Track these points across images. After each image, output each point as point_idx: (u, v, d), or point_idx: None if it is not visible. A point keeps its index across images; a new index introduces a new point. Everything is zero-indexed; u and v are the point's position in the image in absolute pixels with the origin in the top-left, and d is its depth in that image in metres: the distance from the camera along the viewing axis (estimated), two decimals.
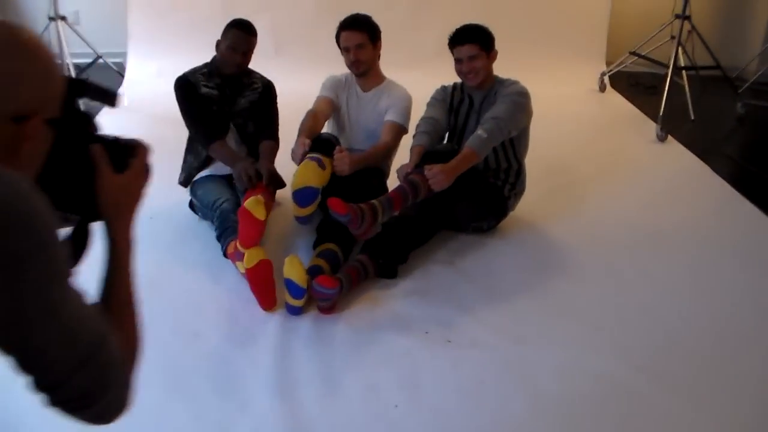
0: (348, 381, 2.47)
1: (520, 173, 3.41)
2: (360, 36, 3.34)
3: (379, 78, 3.55)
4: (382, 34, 3.44)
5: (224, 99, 3.41)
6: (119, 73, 6.05)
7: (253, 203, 2.83)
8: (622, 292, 3.04)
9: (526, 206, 3.55)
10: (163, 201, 3.64)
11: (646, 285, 3.09)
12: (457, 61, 3.27)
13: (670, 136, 4.90)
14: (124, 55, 6.17)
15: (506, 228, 3.50)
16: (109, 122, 4.49)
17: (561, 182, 4.13)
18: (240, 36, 3.32)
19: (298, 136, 3.28)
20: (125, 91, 5.68)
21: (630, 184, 4.20)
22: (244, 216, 2.82)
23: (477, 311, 2.87)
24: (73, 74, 5.28)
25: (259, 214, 2.81)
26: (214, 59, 3.44)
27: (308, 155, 3.10)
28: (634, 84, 6.34)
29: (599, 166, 4.42)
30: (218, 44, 3.39)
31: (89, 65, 6.08)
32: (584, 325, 2.80)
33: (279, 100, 3.61)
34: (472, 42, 3.20)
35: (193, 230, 3.47)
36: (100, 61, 5.99)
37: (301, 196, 2.94)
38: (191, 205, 3.54)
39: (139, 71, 5.91)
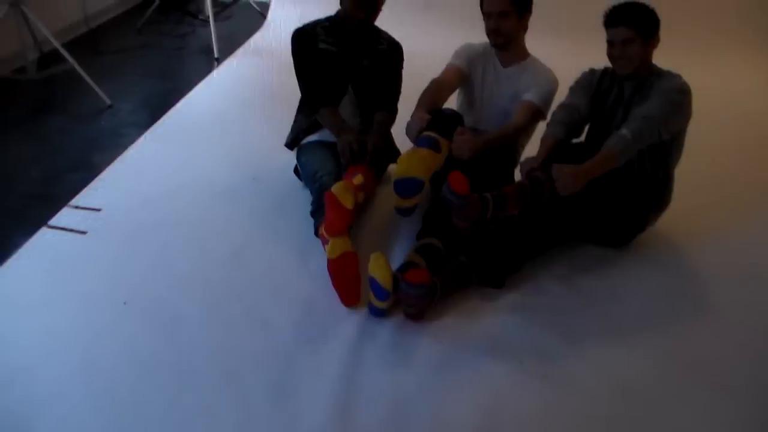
0: (417, 410, 2.15)
1: (666, 184, 2.91)
2: (505, 3, 2.91)
3: (523, 54, 3.11)
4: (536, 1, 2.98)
5: (344, 57, 3.09)
6: (261, 14, 5.86)
7: (341, 189, 2.52)
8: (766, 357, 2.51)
9: (669, 221, 3.03)
10: (273, 161, 3.40)
11: None
12: (609, 43, 2.79)
13: None
14: None
15: (642, 245, 3.01)
16: (242, 65, 4.43)
17: (716, 198, 3.51)
18: None
19: (417, 108, 2.92)
20: (266, 33, 5.48)
21: None
22: (331, 201, 2.52)
23: (585, 345, 2.46)
24: (212, 12, 5.07)
25: (347, 201, 2.49)
26: (337, 14, 3.11)
27: (425, 133, 2.74)
28: None
29: (766, 182, 3.74)
30: None
31: (233, 3, 5.92)
32: (712, 384, 2.32)
33: (418, 60, 3.25)
34: (629, 24, 2.71)
35: (293, 198, 3.21)
36: (243, 0, 5.82)
37: (403, 186, 2.61)
38: (296, 171, 3.26)
39: (282, 14, 5.66)
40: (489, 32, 3.00)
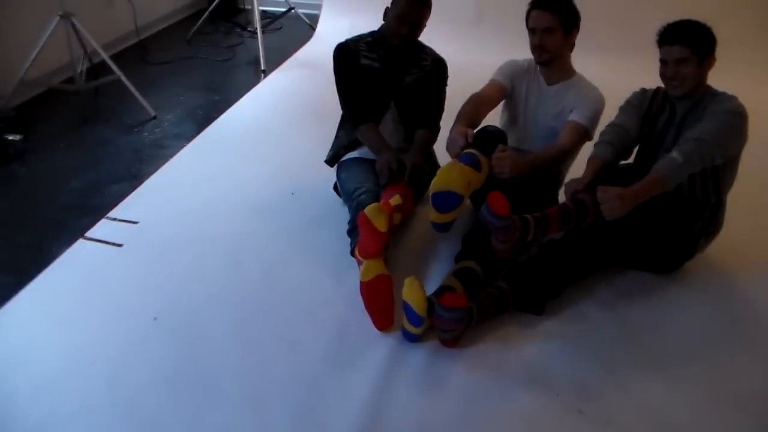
0: None
1: (718, 209, 2.78)
2: (551, 19, 2.82)
3: (568, 72, 3.01)
4: (584, 16, 2.90)
5: (386, 73, 3.03)
6: (311, 26, 5.85)
7: (375, 211, 2.46)
8: None
9: (722, 247, 2.90)
10: (313, 177, 3.36)
11: None
12: (662, 62, 2.68)
13: None
14: (317, 6, 5.95)
15: (692, 272, 2.87)
16: (288, 78, 4.40)
17: None
18: (410, 5, 2.91)
19: (456, 123, 2.85)
20: (314, 46, 5.45)
21: None
22: (364, 223, 2.46)
23: (626, 378, 2.34)
24: (260, 23, 5.07)
25: (381, 224, 2.43)
26: (381, 29, 3.05)
27: (466, 150, 2.66)
28: None
29: None
30: (386, 12, 3.00)
31: (282, 15, 5.92)
32: (758, 423, 2.19)
33: (471, 74, 3.15)
34: (684, 43, 2.59)
35: (332, 215, 3.15)
36: (293, 11, 5.80)
37: (441, 200, 2.51)
38: (336, 188, 3.20)
39: (331, 26, 5.64)
40: (533, 48, 2.91)
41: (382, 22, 3.04)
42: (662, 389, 2.30)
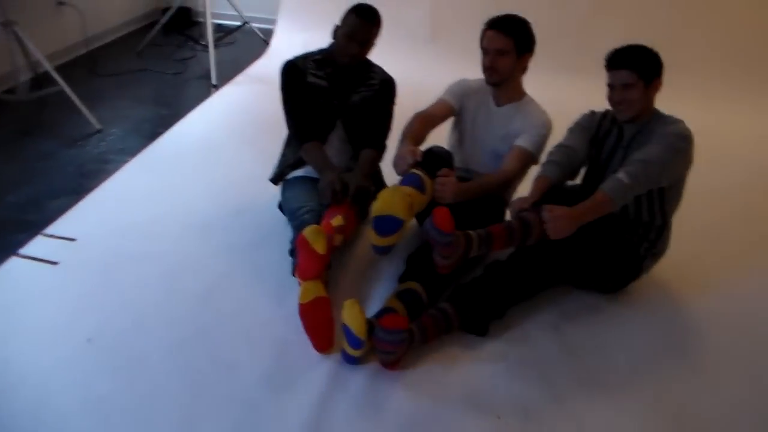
0: None
1: (663, 231, 2.77)
2: (505, 41, 2.80)
3: (518, 94, 2.99)
4: (538, 35, 2.88)
5: (334, 91, 2.98)
6: (264, 40, 5.80)
7: (313, 233, 2.41)
8: (762, 413, 2.35)
9: (666, 269, 2.90)
10: (260, 194, 3.31)
11: None
12: (610, 87, 2.67)
13: None
14: (272, 21, 5.88)
15: (635, 292, 2.87)
16: (239, 93, 4.33)
17: (716, 242, 3.35)
18: (358, 24, 2.86)
19: (403, 140, 2.82)
20: (268, 60, 5.40)
21: None
22: (303, 245, 2.41)
23: (569, 400, 2.31)
24: (212, 37, 5.00)
25: (319, 246, 2.39)
26: (330, 46, 3.01)
27: (412, 171, 2.63)
28: None
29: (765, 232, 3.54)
30: (336, 30, 2.95)
31: (236, 29, 5.86)
32: None
33: (424, 92, 3.11)
34: (630, 68, 2.59)
35: (276, 234, 3.08)
36: (247, 25, 5.75)
37: (381, 224, 2.47)
38: (281, 206, 3.14)
39: (285, 41, 5.57)
40: (485, 69, 2.89)
41: (331, 40, 2.99)
42: (606, 410, 2.28)
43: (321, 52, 3.04)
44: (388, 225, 2.44)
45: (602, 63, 2.65)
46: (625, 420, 2.25)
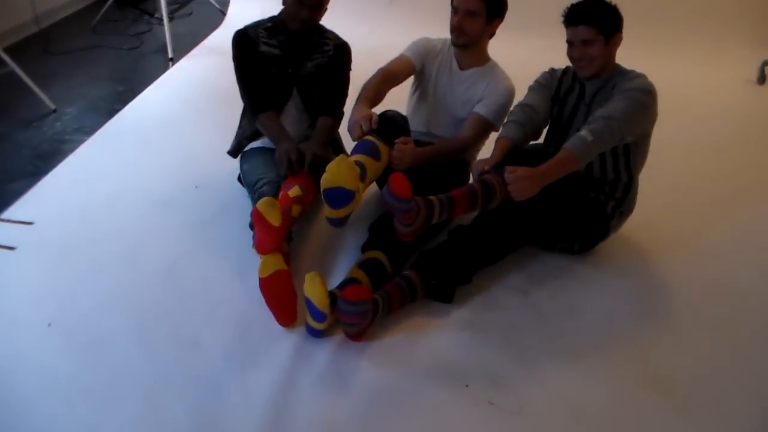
0: None
1: (630, 188, 2.74)
2: (476, 3, 2.74)
3: (483, 58, 2.94)
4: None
5: (287, 60, 2.91)
6: (221, 11, 5.68)
7: (266, 205, 2.34)
8: (737, 367, 2.33)
9: (634, 227, 2.87)
10: (219, 168, 3.24)
11: None
12: (569, 43, 2.62)
13: None
14: None
15: (603, 252, 2.84)
16: (197, 66, 4.22)
17: (684, 202, 3.32)
18: None
19: (358, 101, 2.75)
20: (225, 31, 5.29)
21: None
22: (258, 219, 2.35)
23: (537, 366, 2.29)
24: (165, 10, 4.88)
25: (273, 219, 2.33)
26: (281, 13, 2.92)
27: (366, 137, 2.58)
28: None
29: (738, 186, 3.52)
30: None
31: (190, 0, 5.74)
32: (673, 405, 2.16)
33: (383, 55, 3.01)
34: (589, 23, 2.53)
35: (236, 208, 3.02)
36: None
37: (331, 196, 2.38)
38: (240, 179, 3.08)
39: (242, 10, 5.47)
40: (452, 29, 2.83)
41: (282, 6, 2.91)
42: (575, 375, 2.25)
43: (272, 19, 2.96)
44: (338, 197, 2.36)
45: (556, 20, 2.60)
46: (595, 383, 2.22)
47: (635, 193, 2.78)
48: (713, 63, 5.02)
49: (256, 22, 2.95)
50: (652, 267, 2.84)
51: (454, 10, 2.80)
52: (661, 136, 2.71)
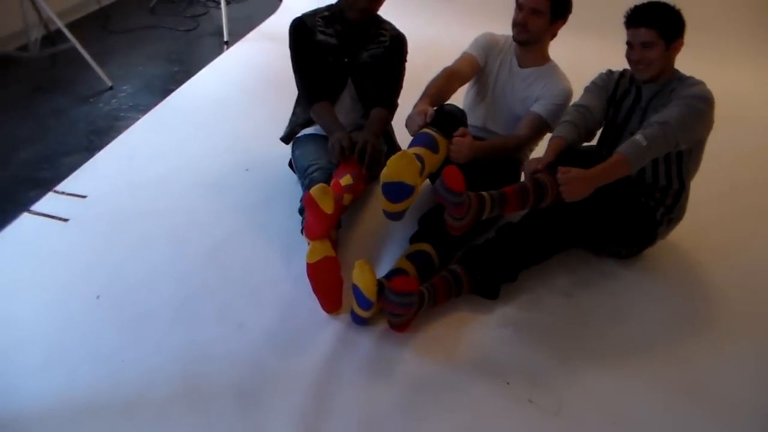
0: (389, 428, 2.01)
1: (680, 196, 2.71)
2: (542, 2, 2.73)
3: (543, 58, 2.93)
4: None
5: (343, 49, 2.92)
6: None
7: (320, 192, 2.36)
8: None
9: (683, 233, 2.84)
10: (269, 152, 3.27)
11: None
12: (629, 45, 2.60)
13: None
14: None
15: (651, 257, 2.82)
16: (251, 50, 4.26)
17: (735, 209, 3.28)
18: None
19: (421, 98, 2.74)
20: (281, 17, 5.32)
21: None
22: (310, 204, 2.36)
23: (578, 367, 2.28)
24: None
25: (326, 206, 2.34)
26: (339, 1, 2.93)
27: (424, 130, 2.57)
28: None
29: None
30: None
31: None
32: (712, 414, 2.14)
33: (441, 50, 3.02)
34: (650, 26, 2.51)
35: (286, 193, 3.06)
36: None
37: (390, 190, 2.37)
38: (291, 164, 3.10)
39: None
40: (515, 24, 2.83)
41: None
42: (615, 379, 2.24)
43: (329, 8, 2.97)
44: (397, 191, 2.36)
45: (620, 22, 2.57)
46: (635, 388, 2.21)
47: (686, 201, 2.75)
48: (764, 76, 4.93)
49: (313, 11, 2.96)
50: (698, 275, 2.81)
51: (519, 6, 2.79)
52: (714, 143, 2.67)
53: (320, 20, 2.92)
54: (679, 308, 2.60)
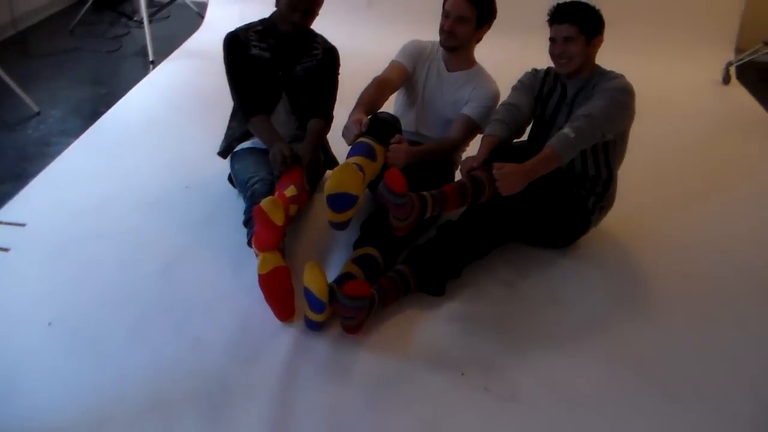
0: (356, 427, 2.07)
1: (609, 184, 2.85)
2: (469, 9, 2.84)
3: (470, 61, 3.05)
4: None
5: (277, 63, 2.97)
6: (199, 14, 5.73)
7: (270, 204, 2.41)
8: (713, 351, 2.46)
9: (613, 221, 2.99)
10: (207, 169, 3.29)
11: (748, 346, 2.50)
12: (551, 40, 2.75)
13: None
14: None
15: (584, 245, 2.96)
16: (178, 68, 4.27)
17: (660, 195, 3.48)
18: None
19: (355, 108, 2.82)
20: (203, 35, 5.34)
21: (746, 207, 3.48)
22: (260, 216, 2.41)
23: (528, 353, 2.39)
24: (146, 13, 4.92)
25: (277, 217, 2.39)
26: (272, 16, 2.99)
27: (360, 139, 2.65)
28: (765, 78, 5.40)
29: (710, 179, 3.71)
30: None
31: (169, 3, 5.77)
32: (656, 389, 2.28)
33: (363, 58, 3.11)
34: (572, 22, 2.66)
35: (227, 207, 3.08)
36: (179, 0, 5.68)
37: (335, 201, 2.46)
38: (231, 179, 3.14)
39: (220, 14, 5.54)
40: (442, 31, 2.92)
41: (274, 9, 2.96)
42: (564, 362, 2.36)
43: (262, 22, 3.02)
44: (342, 202, 2.45)
45: (543, 23, 2.71)
46: (584, 369, 2.33)
47: (615, 189, 2.90)
48: (684, 64, 5.26)
49: (246, 25, 3.01)
50: (631, 259, 2.97)
51: (446, 14, 2.89)
52: (637, 133, 2.83)
53: (254, 34, 2.96)
54: (615, 290, 2.74)
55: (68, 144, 3.67)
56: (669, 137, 4.12)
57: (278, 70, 2.98)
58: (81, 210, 3.06)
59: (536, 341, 2.44)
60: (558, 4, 2.71)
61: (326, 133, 3.08)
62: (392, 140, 2.67)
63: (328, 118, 3.05)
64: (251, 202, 2.70)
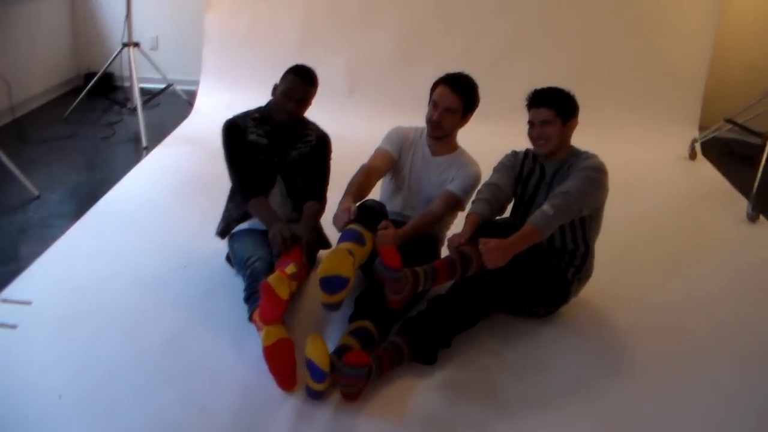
0: None
1: (587, 256, 3.05)
2: (456, 100, 3.07)
3: (453, 146, 3.27)
4: None
5: (273, 148, 3.18)
6: (188, 102, 5.95)
7: (277, 280, 2.58)
8: (694, 409, 2.63)
9: (592, 289, 3.17)
10: (204, 249, 3.44)
11: (728, 405, 2.67)
12: (530, 123, 2.98)
13: (762, 217, 4.40)
14: (196, 83, 6.09)
15: (566, 314, 3.13)
16: (171, 153, 4.46)
17: (634, 263, 3.72)
18: (297, 83, 3.08)
19: (344, 196, 3.03)
20: (194, 121, 5.56)
21: (714, 270, 3.72)
22: (266, 292, 2.57)
23: (518, 417, 2.53)
24: (140, 101, 5.14)
25: (282, 292, 2.56)
26: (268, 104, 3.20)
27: (349, 226, 2.86)
28: (728, 153, 5.77)
29: (680, 247, 3.98)
30: (275, 88, 3.16)
31: (160, 92, 5.99)
32: None
33: (347, 143, 3.32)
34: (549, 106, 2.90)
35: (226, 285, 3.22)
36: (171, 88, 5.90)
37: (328, 284, 2.63)
38: (228, 259, 3.30)
39: (209, 102, 5.79)
40: (430, 121, 3.15)
41: (268, 98, 3.19)
42: (553, 423, 2.50)
43: (259, 110, 3.24)
44: (334, 284, 2.61)
45: (510, 108, 2.94)
46: (570, 428, 2.49)
47: (592, 261, 3.10)
48: (653, 142, 5.65)
49: (244, 113, 3.23)
50: (610, 325, 3.16)
51: (434, 104, 3.11)
52: (611, 208, 3.06)
53: (251, 121, 3.17)
54: (597, 356, 2.91)
55: (68, 226, 3.80)
56: (641, 211, 4.40)
57: (274, 155, 3.18)
58: (83, 287, 3.18)
59: (525, 405, 2.58)
60: (536, 90, 2.95)
61: (322, 214, 3.26)
62: (379, 226, 2.87)
63: (322, 200, 3.24)
64: (251, 279, 2.87)
